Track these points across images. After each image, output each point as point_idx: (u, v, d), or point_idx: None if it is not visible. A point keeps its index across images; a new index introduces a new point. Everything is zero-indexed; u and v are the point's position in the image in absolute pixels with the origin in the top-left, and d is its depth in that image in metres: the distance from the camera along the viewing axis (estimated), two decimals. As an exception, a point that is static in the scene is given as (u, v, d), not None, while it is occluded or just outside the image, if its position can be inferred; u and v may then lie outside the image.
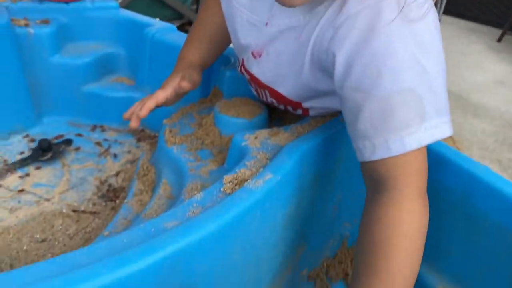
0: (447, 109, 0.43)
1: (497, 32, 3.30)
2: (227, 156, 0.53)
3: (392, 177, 0.42)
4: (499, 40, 3.18)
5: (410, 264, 0.40)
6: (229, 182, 0.41)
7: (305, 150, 0.48)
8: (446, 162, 0.51)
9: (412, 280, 0.40)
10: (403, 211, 0.41)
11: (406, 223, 0.41)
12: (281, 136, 0.52)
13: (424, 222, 0.42)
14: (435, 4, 0.44)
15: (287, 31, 0.51)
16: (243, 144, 0.50)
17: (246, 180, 0.41)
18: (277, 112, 0.70)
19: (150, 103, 0.58)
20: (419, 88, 0.41)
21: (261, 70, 0.56)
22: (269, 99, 0.60)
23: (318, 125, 0.55)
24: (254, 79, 0.59)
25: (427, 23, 0.42)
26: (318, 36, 0.48)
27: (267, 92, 0.59)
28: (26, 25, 0.81)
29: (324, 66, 0.48)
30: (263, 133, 0.52)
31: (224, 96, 0.71)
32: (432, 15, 0.42)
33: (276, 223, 0.44)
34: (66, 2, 0.87)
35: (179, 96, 0.61)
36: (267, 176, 0.41)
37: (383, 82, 0.41)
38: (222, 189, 0.40)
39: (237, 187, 0.41)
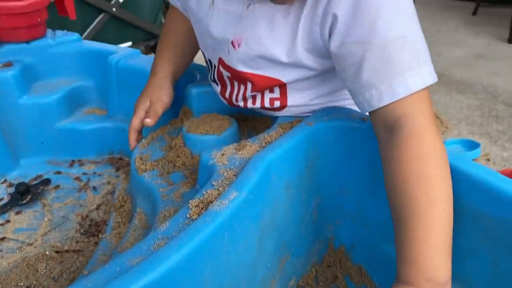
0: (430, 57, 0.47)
1: (472, 5, 3.31)
2: (197, 177, 0.52)
3: (405, 115, 0.45)
4: (474, 13, 3.19)
5: (446, 186, 0.43)
6: (196, 206, 0.41)
7: (272, 160, 0.47)
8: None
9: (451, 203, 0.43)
10: (426, 139, 0.44)
11: (432, 150, 0.44)
12: (249, 148, 0.51)
13: (444, 150, 0.45)
14: None
15: (273, 12, 0.52)
16: (210, 162, 0.49)
17: (212, 202, 0.41)
18: (248, 123, 0.70)
19: (132, 136, 0.65)
20: (409, 34, 0.46)
21: (242, 60, 0.56)
22: (250, 94, 0.59)
23: (285, 131, 0.55)
24: (235, 73, 0.58)
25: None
26: (310, 11, 0.50)
27: (249, 84, 0.58)
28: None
29: (316, 41, 0.50)
30: (230, 148, 0.52)
31: (194, 114, 0.70)
32: None
33: (249, 240, 0.43)
34: (27, 42, 0.87)
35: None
36: (232, 195, 0.41)
37: (379, 31, 0.45)
38: (188, 215, 0.40)
39: (203, 210, 0.40)
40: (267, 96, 0.59)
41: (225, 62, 0.58)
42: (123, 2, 1.60)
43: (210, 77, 0.64)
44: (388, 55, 0.45)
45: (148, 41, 1.83)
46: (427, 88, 0.46)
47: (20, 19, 0.84)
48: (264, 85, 0.57)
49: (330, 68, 0.53)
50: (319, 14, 0.49)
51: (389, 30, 0.45)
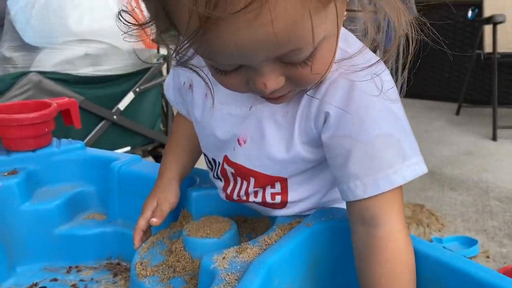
0: (418, 149, 0.52)
1: (454, 106, 3.50)
2: (198, 282, 0.52)
3: (383, 213, 0.50)
4: (457, 113, 3.36)
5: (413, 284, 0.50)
6: (198, 313, 0.41)
7: (273, 263, 0.48)
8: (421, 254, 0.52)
9: None
10: (400, 243, 0.50)
11: (404, 253, 0.50)
12: (249, 251, 0.52)
13: (412, 250, 0.51)
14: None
15: (273, 112, 0.57)
16: (211, 267, 0.50)
17: (215, 308, 0.41)
18: (248, 225, 0.71)
19: (137, 236, 0.67)
20: (395, 132, 0.50)
21: (247, 156, 0.59)
22: (252, 189, 0.61)
23: (285, 233, 0.56)
24: (239, 169, 0.61)
25: (395, 91, 0.53)
26: (305, 108, 0.54)
27: (252, 180, 0.61)
28: (-5, 179, 0.83)
29: (311, 135, 0.55)
30: (231, 251, 0.53)
31: (193, 217, 0.72)
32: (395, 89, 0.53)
33: None
34: (33, 150, 0.90)
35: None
36: (235, 300, 0.41)
37: (366, 130, 0.50)
38: (190, 321, 0.40)
39: (206, 316, 0.40)
40: (269, 191, 0.61)
41: (230, 158, 0.61)
42: (124, 109, 1.68)
43: (214, 175, 0.67)
44: (373, 152, 0.50)
45: (146, 146, 1.89)
46: (401, 186, 0.51)
47: (28, 130, 0.89)
48: (267, 182, 0.60)
49: (325, 158, 0.56)
50: (313, 112, 0.53)
51: (375, 129, 0.49)
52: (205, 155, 0.69)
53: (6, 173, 0.86)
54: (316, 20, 0.39)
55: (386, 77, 0.53)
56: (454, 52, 3.66)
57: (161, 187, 0.72)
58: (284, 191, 0.61)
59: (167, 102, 1.99)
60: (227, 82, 0.48)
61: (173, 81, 0.72)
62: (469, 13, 3.53)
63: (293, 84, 0.47)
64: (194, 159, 0.77)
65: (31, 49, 1.46)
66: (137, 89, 1.67)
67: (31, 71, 1.40)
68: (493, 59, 2.86)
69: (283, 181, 0.60)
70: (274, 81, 0.45)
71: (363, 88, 0.50)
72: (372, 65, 0.50)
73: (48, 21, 1.41)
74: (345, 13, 0.49)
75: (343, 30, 0.53)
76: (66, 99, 0.99)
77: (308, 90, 0.52)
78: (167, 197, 0.70)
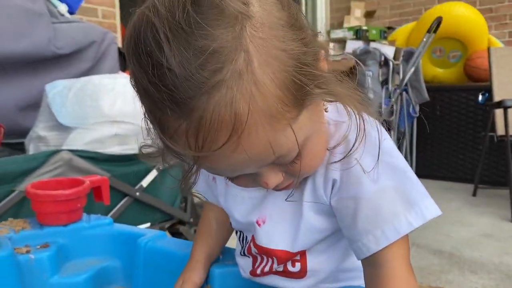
0: (427, 193, 0.55)
1: (471, 187, 3.49)
2: None
3: (390, 255, 0.54)
4: (474, 194, 3.35)
5: None
6: None
7: None
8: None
9: None
10: (404, 282, 0.54)
11: None
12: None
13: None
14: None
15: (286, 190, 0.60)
16: None
17: None
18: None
19: None
20: (396, 182, 0.54)
21: (267, 235, 0.64)
22: (276, 267, 0.65)
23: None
24: (262, 249, 0.65)
25: (388, 143, 0.56)
26: (310, 180, 0.59)
27: (275, 259, 0.64)
28: (28, 252, 0.87)
29: (322, 204, 0.58)
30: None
31: (217, 294, 0.74)
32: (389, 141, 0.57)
33: None
34: (65, 225, 0.95)
35: None
36: None
37: (365, 186, 0.54)
38: None
39: None
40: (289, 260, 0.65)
41: (256, 242, 0.66)
42: (146, 186, 1.74)
43: (241, 252, 0.71)
44: (376, 206, 0.53)
45: (165, 222, 1.92)
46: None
47: (62, 205, 0.95)
48: (289, 257, 0.64)
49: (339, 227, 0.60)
50: (320, 181, 0.58)
51: (373, 185, 0.53)
52: (236, 232, 0.73)
53: (38, 246, 0.90)
54: (290, 132, 0.46)
55: (374, 131, 0.55)
56: (467, 134, 3.73)
57: (189, 267, 0.77)
58: (303, 258, 0.64)
59: (187, 180, 2.06)
60: (237, 183, 0.55)
61: (205, 183, 0.76)
62: (480, 97, 3.64)
63: (292, 177, 0.54)
64: (222, 241, 0.82)
65: (64, 129, 1.57)
66: (160, 167, 1.74)
67: (62, 150, 1.49)
68: (506, 141, 2.92)
69: (303, 254, 0.63)
70: (273, 178, 0.52)
71: (358, 153, 0.54)
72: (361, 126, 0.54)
73: (83, 104, 1.53)
74: (325, 106, 0.54)
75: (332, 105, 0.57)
76: (98, 177, 1.06)
77: None
78: (192, 277, 0.76)
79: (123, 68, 2.15)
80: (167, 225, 1.95)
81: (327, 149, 0.56)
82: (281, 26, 0.45)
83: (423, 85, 3.67)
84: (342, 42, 4.42)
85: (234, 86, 0.42)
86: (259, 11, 0.44)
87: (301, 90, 0.45)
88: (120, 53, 2.19)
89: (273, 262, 0.65)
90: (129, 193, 1.65)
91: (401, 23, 4.85)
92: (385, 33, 4.39)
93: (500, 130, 3.15)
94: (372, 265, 0.55)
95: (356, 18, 5.11)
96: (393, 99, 3.34)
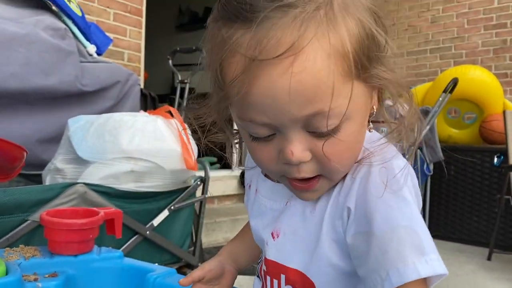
0: (435, 248, 0.52)
1: (485, 250, 3.39)
2: None
3: None
4: (489, 258, 3.25)
5: None
6: None
7: None
8: None
9: None
10: None
11: None
12: None
13: None
14: None
15: (303, 207, 0.61)
16: None
17: None
18: None
19: (189, 277, 0.76)
20: (411, 224, 0.51)
21: (279, 250, 0.63)
22: (283, 284, 0.63)
23: None
24: (271, 265, 0.64)
25: (408, 188, 0.54)
26: (332, 206, 0.58)
27: (283, 277, 0.62)
28: (35, 280, 0.87)
29: (339, 233, 0.57)
30: None
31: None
32: (410, 182, 0.55)
33: None
34: (75, 256, 0.95)
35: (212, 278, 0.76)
36: None
37: (376, 224, 0.51)
38: None
39: None
40: None
41: (265, 256, 0.66)
42: (157, 226, 1.73)
43: (256, 273, 0.71)
44: (384, 245, 0.50)
45: (173, 264, 1.89)
46: (425, 281, 0.50)
47: (75, 234, 0.95)
48: (297, 279, 0.61)
49: (354, 270, 0.57)
50: (339, 210, 0.57)
51: (386, 223, 0.51)
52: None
53: (46, 275, 0.90)
54: (337, 87, 0.48)
55: (398, 161, 0.56)
56: (482, 196, 3.68)
57: (218, 256, 0.80)
58: None
59: (197, 223, 2.04)
60: (261, 154, 0.55)
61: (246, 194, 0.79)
62: (495, 160, 3.62)
63: (319, 163, 0.53)
64: (251, 251, 0.81)
65: (82, 163, 1.59)
66: (172, 207, 1.74)
67: (78, 182, 1.51)
68: (522, 205, 2.86)
69: (312, 286, 0.60)
70: (300, 150, 0.52)
71: (376, 180, 0.54)
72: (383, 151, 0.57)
73: (103, 139, 1.56)
74: (371, 125, 0.59)
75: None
76: (113, 209, 1.07)
77: (336, 185, 0.58)
78: (204, 265, 0.78)
79: (144, 108, 2.21)
80: (174, 267, 1.91)
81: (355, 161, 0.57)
82: (367, 9, 0.51)
83: (438, 144, 3.67)
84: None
85: (307, 12, 0.47)
86: None
87: (361, 59, 0.50)
88: (142, 94, 2.25)
89: (279, 283, 0.63)
90: (140, 231, 1.65)
91: (417, 83, 4.93)
92: (401, 92, 4.44)
93: (516, 193, 3.10)
94: None
95: (372, 75, 5.20)
96: (407, 156, 3.34)
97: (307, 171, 0.54)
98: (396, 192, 0.53)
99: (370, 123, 0.59)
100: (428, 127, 3.48)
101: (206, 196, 1.97)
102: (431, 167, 3.71)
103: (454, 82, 3.53)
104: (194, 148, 1.78)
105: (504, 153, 3.44)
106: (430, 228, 3.93)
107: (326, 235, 0.58)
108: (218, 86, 0.52)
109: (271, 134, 0.53)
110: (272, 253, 0.64)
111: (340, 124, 0.51)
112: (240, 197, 4.01)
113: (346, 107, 0.50)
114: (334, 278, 0.59)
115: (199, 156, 1.90)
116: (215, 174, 4.00)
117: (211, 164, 4.64)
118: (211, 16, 0.54)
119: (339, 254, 0.57)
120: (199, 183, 1.89)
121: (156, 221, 1.70)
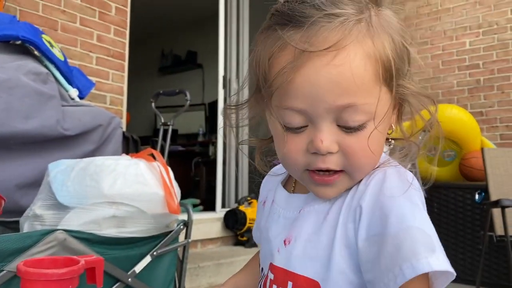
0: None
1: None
2: None
3: None
4: (476, 296, 3.22)
5: None
6: None
7: None
8: None
9: None
10: None
11: None
12: None
13: None
14: None
15: (316, 213, 0.65)
16: None
17: None
18: None
19: None
20: (423, 226, 0.55)
21: (290, 257, 0.65)
22: None
23: None
24: (279, 272, 0.66)
25: (418, 196, 0.61)
26: (345, 210, 0.62)
27: (290, 284, 0.64)
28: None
29: (350, 238, 0.60)
30: None
31: None
32: (419, 192, 0.62)
33: None
34: (53, 307, 0.90)
35: None
36: None
37: (391, 223, 0.55)
38: None
39: None
40: None
41: (273, 262, 0.68)
42: (138, 272, 1.68)
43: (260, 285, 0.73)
44: (399, 243, 0.54)
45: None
46: (427, 278, 0.55)
47: (54, 285, 0.91)
48: (304, 286, 0.63)
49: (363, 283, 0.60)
50: (353, 210, 0.61)
51: (401, 223, 0.55)
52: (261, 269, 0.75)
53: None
54: (369, 86, 0.57)
55: (408, 172, 0.64)
56: (466, 233, 3.69)
57: None
58: None
59: (180, 269, 1.99)
60: (291, 144, 0.61)
61: (256, 224, 0.84)
62: (476, 197, 3.66)
63: (343, 157, 0.59)
64: (256, 284, 0.81)
65: (62, 208, 1.55)
66: (155, 253, 1.70)
67: (57, 229, 1.46)
68: (506, 242, 2.87)
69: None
70: (329, 140, 0.58)
71: (392, 183, 0.60)
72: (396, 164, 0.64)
73: (84, 183, 1.53)
74: (392, 142, 0.68)
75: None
76: (94, 257, 1.03)
77: (350, 190, 0.63)
78: None
79: (126, 151, 2.19)
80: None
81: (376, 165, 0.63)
82: (398, 30, 0.62)
83: (420, 182, 3.70)
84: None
85: (351, 21, 0.56)
86: (385, 11, 0.62)
87: (390, 68, 0.59)
88: (124, 136, 2.24)
89: None
90: (121, 279, 1.59)
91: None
92: (381, 131, 4.52)
93: (499, 230, 3.12)
94: None
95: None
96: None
97: (332, 162, 0.60)
98: (409, 197, 0.58)
99: (392, 140, 0.68)
100: (409, 165, 3.51)
101: (189, 240, 1.93)
102: (414, 205, 3.72)
103: (433, 120, 3.59)
104: (177, 190, 1.76)
105: (484, 189, 3.49)
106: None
107: (339, 240, 0.61)
108: (264, 78, 0.60)
109: (304, 126, 0.60)
110: (282, 259, 0.66)
111: (367, 123, 0.58)
112: (224, 240, 3.94)
113: (375, 106, 0.58)
114: (341, 284, 0.61)
115: (182, 198, 1.87)
116: (198, 216, 3.94)
117: (194, 206, 4.58)
118: (261, 29, 0.63)
119: (349, 263, 0.60)
120: (182, 227, 1.85)
121: (138, 268, 1.65)
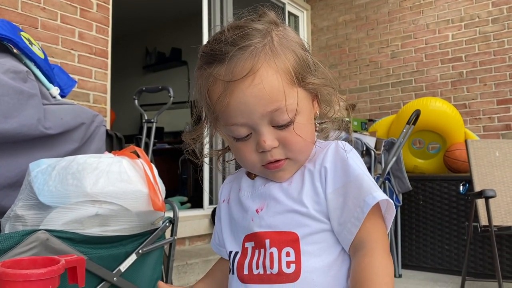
0: None
1: (459, 279, 3.42)
2: None
3: (368, 240, 0.71)
4: (462, 286, 3.27)
5: None
6: None
7: None
8: None
9: None
10: (380, 260, 0.69)
11: (383, 268, 0.68)
12: None
13: (391, 269, 0.70)
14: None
15: (280, 184, 0.81)
16: None
17: None
18: None
19: None
20: (367, 173, 0.76)
21: (263, 218, 0.79)
22: (268, 251, 0.76)
23: None
24: (256, 236, 0.79)
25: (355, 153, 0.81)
26: (306, 177, 0.79)
27: (267, 242, 0.77)
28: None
29: (319, 194, 0.77)
30: None
31: None
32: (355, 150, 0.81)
33: None
34: (34, 308, 0.89)
35: None
36: None
37: (351, 173, 0.76)
38: None
39: None
40: (284, 260, 0.75)
41: (248, 232, 0.80)
42: (124, 271, 1.66)
43: (231, 271, 0.82)
44: (359, 183, 0.74)
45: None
46: (380, 209, 0.75)
47: (33, 286, 0.89)
48: (281, 239, 0.76)
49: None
50: (316, 175, 0.78)
51: (356, 170, 0.75)
52: (229, 259, 0.84)
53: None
54: (286, 91, 0.73)
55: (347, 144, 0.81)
56: (451, 224, 3.73)
57: None
58: (298, 258, 0.74)
59: (167, 266, 1.98)
60: (243, 150, 0.77)
61: (214, 234, 0.97)
62: (461, 188, 3.70)
63: (284, 148, 0.76)
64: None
65: (44, 208, 1.52)
66: (140, 251, 1.68)
67: (39, 229, 1.44)
68: (490, 232, 2.91)
69: (296, 243, 0.75)
70: (270, 139, 0.74)
71: (340, 150, 0.79)
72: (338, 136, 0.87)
73: (66, 182, 1.51)
74: (317, 125, 0.85)
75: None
76: (75, 256, 1.01)
77: (304, 165, 0.81)
78: None
79: (110, 150, 2.16)
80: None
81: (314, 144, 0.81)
82: (296, 43, 0.79)
83: (406, 175, 3.74)
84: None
85: (258, 48, 0.73)
86: (284, 30, 0.79)
87: (297, 73, 0.75)
88: (108, 135, 2.21)
89: (265, 250, 0.76)
90: (106, 278, 1.57)
91: (381, 116, 5.06)
92: (365, 125, 4.55)
93: (483, 220, 3.16)
94: (357, 250, 0.71)
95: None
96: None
97: (277, 154, 0.76)
98: (355, 154, 0.78)
99: (317, 124, 0.84)
100: (394, 159, 3.54)
101: (176, 237, 1.92)
102: (400, 197, 3.76)
103: (417, 113, 3.64)
104: (161, 188, 1.75)
105: (468, 181, 3.53)
106: (404, 258, 3.95)
107: (307, 196, 0.76)
108: (208, 107, 0.77)
109: (249, 134, 0.76)
110: (256, 225, 0.79)
111: (294, 118, 0.74)
112: (212, 236, 3.93)
113: (296, 105, 0.74)
114: (315, 231, 0.76)
115: (168, 196, 1.85)
116: (186, 214, 3.92)
117: (182, 203, 4.56)
118: (196, 66, 0.80)
119: (317, 210, 0.76)
120: (167, 224, 1.84)
121: (123, 266, 1.63)
